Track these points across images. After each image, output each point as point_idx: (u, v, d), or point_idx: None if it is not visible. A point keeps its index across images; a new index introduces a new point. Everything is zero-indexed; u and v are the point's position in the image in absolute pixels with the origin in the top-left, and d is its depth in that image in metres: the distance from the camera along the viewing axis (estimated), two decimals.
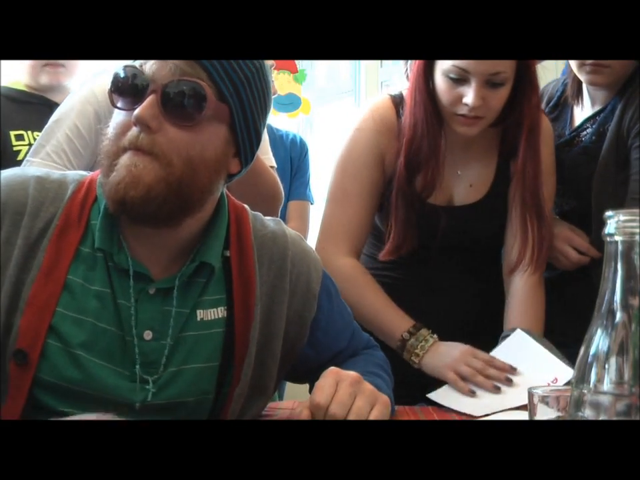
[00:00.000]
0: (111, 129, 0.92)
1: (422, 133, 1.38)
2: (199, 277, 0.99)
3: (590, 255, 1.50)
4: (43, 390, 0.92)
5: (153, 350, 0.96)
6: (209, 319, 0.99)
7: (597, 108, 1.55)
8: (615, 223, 0.58)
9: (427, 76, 1.37)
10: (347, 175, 1.44)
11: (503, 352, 1.30)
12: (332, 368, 0.97)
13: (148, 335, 0.95)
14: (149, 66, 0.90)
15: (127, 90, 0.91)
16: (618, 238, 0.57)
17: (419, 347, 1.33)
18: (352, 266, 1.43)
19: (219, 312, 1.00)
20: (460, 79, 1.31)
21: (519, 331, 1.32)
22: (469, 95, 1.30)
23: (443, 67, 1.33)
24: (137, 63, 0.91)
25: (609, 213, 0.58)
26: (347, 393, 0.92)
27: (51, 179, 0.98)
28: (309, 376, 1.09)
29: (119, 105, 0.92)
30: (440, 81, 1.34)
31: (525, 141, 1.40)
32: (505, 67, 1.30)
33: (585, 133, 1.56)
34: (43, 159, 1.56)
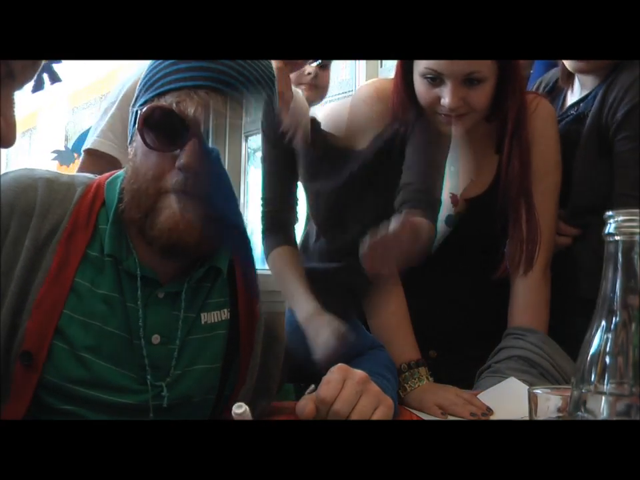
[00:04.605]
0: (147, 169, 0.91)
1: None
2: (205, 281, 1.00)
3: (569, 234, 1.46)
4: (47, 391, 0.92)
5: (160, 354, 0.96)
6: (213, 321, 1.00)
7: (585, 93, 1.53)
8: (614, 222, 0.57)
9: (404, 78, 1.35)
10: None
11: (490, 395, 1.25)
12: (341, 364, 0.96)
13: (156, 339, 0.96)
14: (184, 107, 0.89)
15: (163, 132, 0.90)
16: (618, 238, 0.57)
17: (409, 382, 1.29)
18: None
19: (222, 314, 1.01)
20: (436, 80, 1.28)
21: (512, 379, 1.25)
22: (446, 97, 1.27)
23: (418, 68, 1.30)
24: (169, 101, 0.90)
25: (609, 213, 0.58)
26: (353, 391, 0.92)
27: (59, 181, 0.98)
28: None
29: (153, 145, 0.91)
30: (418, 83, 1.32)
31: (509, 136, 1.37)
32: (480, 66, 1.26)
33: (568, 118, 1.55)
34: (99, 136, 1.60)
